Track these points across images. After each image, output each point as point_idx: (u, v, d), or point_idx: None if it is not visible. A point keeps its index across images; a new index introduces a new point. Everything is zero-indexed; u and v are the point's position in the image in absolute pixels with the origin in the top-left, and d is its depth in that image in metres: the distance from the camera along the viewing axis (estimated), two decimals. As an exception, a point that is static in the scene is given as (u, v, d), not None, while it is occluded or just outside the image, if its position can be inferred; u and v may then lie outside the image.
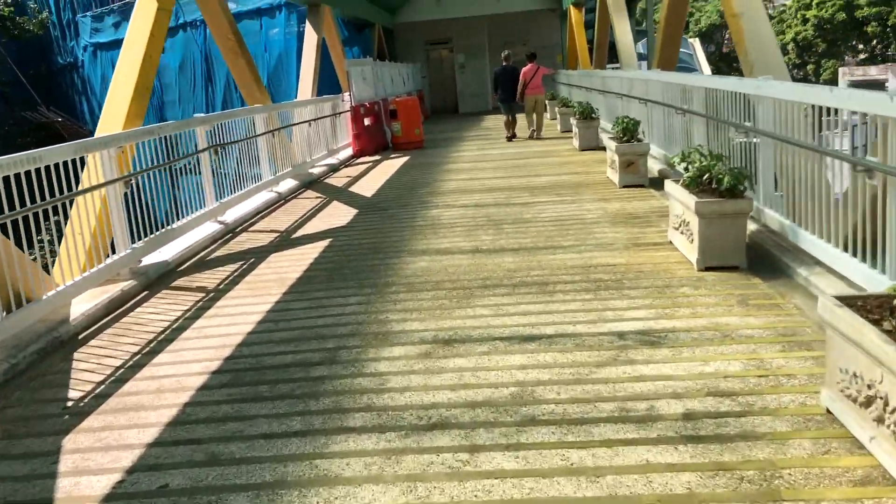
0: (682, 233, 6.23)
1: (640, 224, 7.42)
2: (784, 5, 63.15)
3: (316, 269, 6.71)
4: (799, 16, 57.46)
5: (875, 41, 55.32)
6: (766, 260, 5.86)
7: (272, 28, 20.94)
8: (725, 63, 62.60)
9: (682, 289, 5.36)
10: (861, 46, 56.12)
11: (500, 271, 6.13)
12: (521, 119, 18.43)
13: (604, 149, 12.84)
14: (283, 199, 10.89)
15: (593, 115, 13.58)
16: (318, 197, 10.91)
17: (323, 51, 17.49)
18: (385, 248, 7.32)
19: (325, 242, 7.79)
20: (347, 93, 15.99)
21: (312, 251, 7.45)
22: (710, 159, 6.01)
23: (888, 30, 54.04)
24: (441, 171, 12.54)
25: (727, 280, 5.49)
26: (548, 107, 22.04)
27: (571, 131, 14.92)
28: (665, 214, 7.74)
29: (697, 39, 44.15)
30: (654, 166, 10.01)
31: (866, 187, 4.70)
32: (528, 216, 8.24)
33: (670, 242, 6.61)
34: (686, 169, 6.36)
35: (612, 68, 21.44)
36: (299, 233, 8.47)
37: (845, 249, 5.00)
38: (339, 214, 9.34)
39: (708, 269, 5.75)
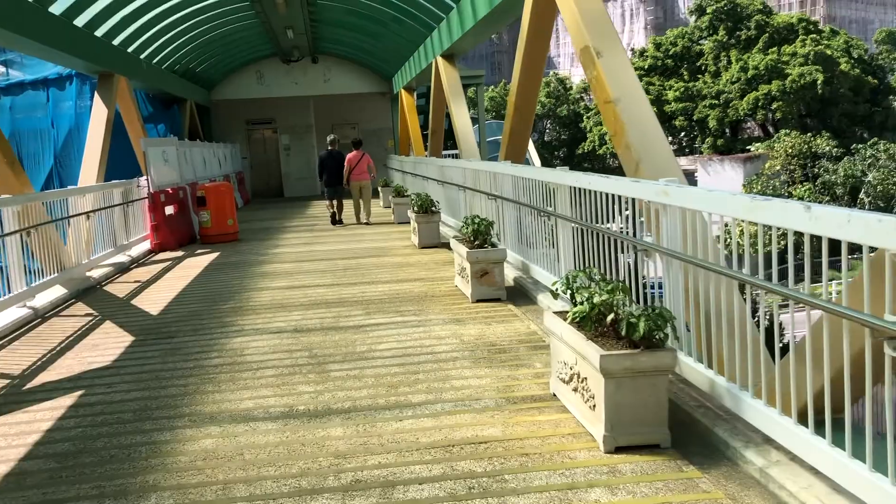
0: (575, 390, 4.53)
1: (508, 362, 5.69)
2: (600, 98, 66.72)
3: (39, 457, 4.38)
4: (614, 108, 60.54)
5: (682, 134, 59.25)
6: (691, 430, 4.25)
7: (62, 101, 18.09)
8: (548, 151, 64.87)
9: (592, 492, 3.61)
10: (670, 139, 59.86)
11: (323, 459, 4.12)
12: (349, 205, 16.90)
13: (446, 246, 11.33)
14: (39, 318, 8.31)
15: (433, 209, 12.03)
16: (87, 314, 8.41)
17: (121, 129, 15.03)
18: (157, 409, 5.10)
19: (72, 398, 5.44)
20: (146, 177, 13.56)
21: (46, 417, 5.08)
22: (609, 290, 4.40)
23: (693, 124, 58.07)
24: (255, 275, 10.40)
25: (652, 472, 3.80)
26: (381, 194, 20.52)
27: (409, 224, 13.32)
28: (536, 345, 6.08)
29: (526, 128, 44.66)
30: (508, 273, 8.45)
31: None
32: (363, 348, 6.30)
33: (554, 395, 4.90)
34: (572, 297, 4.73)
35: (449, 155, 20.33)
36: (40, 378, 6.02)
37: (807, 423, 3.49)
38: (105, 346, 6.95)
39: (619, 448, 4.05)
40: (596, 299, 4.44)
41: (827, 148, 50.95)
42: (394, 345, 6.34)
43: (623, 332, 4.12)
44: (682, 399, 4.54)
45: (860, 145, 50.81)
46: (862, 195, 49.47)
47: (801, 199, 48.95)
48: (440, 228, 12.34)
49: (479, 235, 7.97)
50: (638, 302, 5.20)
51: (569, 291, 4.78)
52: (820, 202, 49.04)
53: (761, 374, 4.00)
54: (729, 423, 4.15)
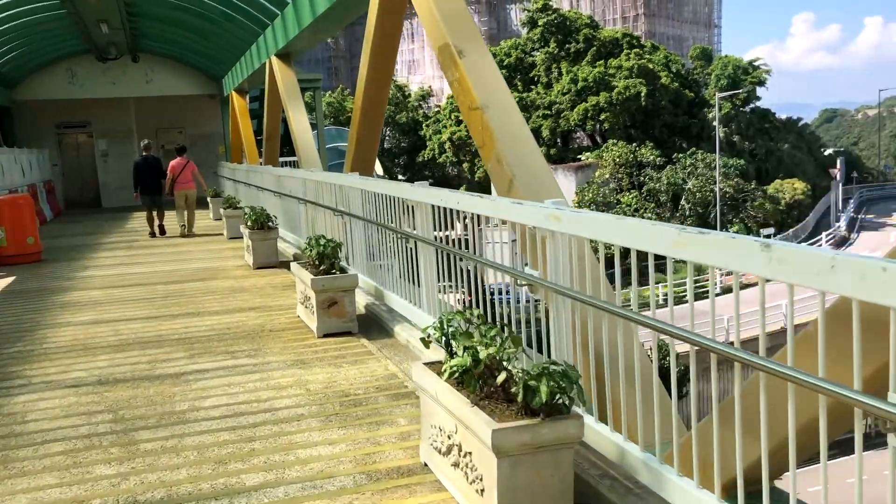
0: (455, 465, 3.63)
1: (366, 419, 4.71)
2: (439, 107, 67.03)
3: None
4: (453, 117, 61.00)
5: (518, 143, 60.50)
6: (599, 511, 3.47)
7: None
8: (388, 159, 64.26)
9: None
10: (507, 147, 60.98)
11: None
12: (171, 216, 15.39)
13: (286, 265, 10.18)
14: None
15: (270, 224, 10.82)
16: None
17: None
18: None
19: None
20: (-80, 189, 11.39)
21: None
22: (498, 342, 3.55)
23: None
24: (55, 306, 8.78)
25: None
26: (211, 205, 18.87)
27: (243, 240, 12.00)
28: (397, 393, 5.15)
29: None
30: (359, 300, 7.47)
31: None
32: (184, 406, 5.10)
33: (425, 465, 3.98)
34: (447, 346, 3.85)
35: (287, 163, 19.04)
36: None
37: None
38: None
39: (519, 546, 3.20)
40: (482, 353, 3.58)
41: (651, 157, 53.69)
42: (223, 399, 5.19)
43: (519, 398, 3.27)
44: (582, 466, 3.75)
45: (680, 155, 53.95)
46: (683, 202, 52.51)
47: (628, 205, 51.30)
48: (278, 245, 11.15)
49: (326, 259, 6.93)
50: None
51: (443, 338, 3.89)
52: (646, 209, 51.63)
53: (673, 438, 3.30)
54: (642, 500, 3.40)
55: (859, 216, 63.05)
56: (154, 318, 7.85)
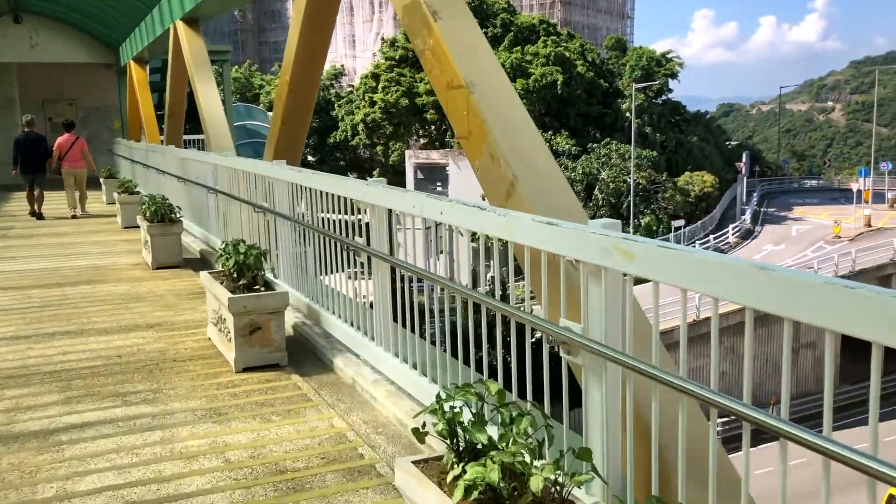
0: None
1: (314, 516, 3.37)
2: (352, 86, 64.95)
3: None
4: (367, 98, 59.16)
5: (433, 127, 59.27)
6: None
7: None
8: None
9: None
10: (422, 131, 59.65)
11: None
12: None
13: (192, 266, 8.69)
14: None
15: (173, 216, 9.20)
16: None
17: None
18: None
19: None
20: None
21: None
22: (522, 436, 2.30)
23: (444, 117, 58.25)
24: None
25: None
26: (104, 187, 16.84)
27: (139, 231, 10.31)
28: (352, 467, 3.82)
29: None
30: (287, 319, 6.05)
31: None
32: (51, 493, 3.61)
33: None
34: (454, 443, 2.59)
35: (192, 142, 17.25)
36: None
37: None
38: None
39: None
40: (505, 458, 2.33)
41: (566, 146, 53.43)
42: (109, 478, 3.72)
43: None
44: None
45: (595, 145, 53.92)
46: (596, 192, 52.51)
47: (544, 194, 50.86)
48: (182, 240, 9.54)
49: (248, 271, 5.50)
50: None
51: (445, 429, 2.60)
52: (561, 198, 51.28)
53: None
54: None
55: (762, 209, 64.90)
56: (22, 339, 6.20)
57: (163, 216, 9.07)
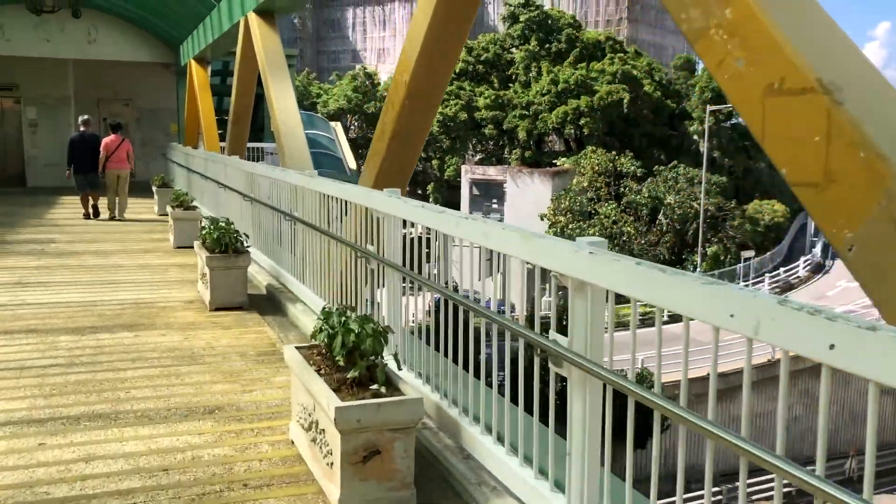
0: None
1: None
2: (409, 98, 63.51)
3: None
4: (424, 110, 57.60)
5: (491, 143, 57.49)
6: None
7: None
8: (353, 149, 60.57)
9: None
10: (480, 147, 57.90)
11: None
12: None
13: (261, 305, 6.99)
14: None
15: (239, 246, 7.46)
16: None
17: None
18: None
19: None
20: None
21: None
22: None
23: (503, 133, 56.46)
24: None
25: None
26: (157, 196, 15.33)
27: (195, 257, 8.66)
28: None
29: (339, 123, 40.36)
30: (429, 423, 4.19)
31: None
32: None
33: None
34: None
35: (254, 151, 15.68)
36: None
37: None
38: None
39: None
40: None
41: (631, 168, 51.16)
42: None
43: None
44: None
45: (661, 167, 51.53)
46: (661, 217, 50.10)
47: (606, 217, 48.68)
48: (247, 279, 7.78)
49: (362, 358, 3.67)
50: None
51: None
52: (624, 221, 49.08)
53: None
54: None
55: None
56: (34, 425, 4.44)
57: (226, 246, 7.32)
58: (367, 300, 5.39)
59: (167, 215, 12.67)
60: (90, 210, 14.72)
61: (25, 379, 5.26)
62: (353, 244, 5.25)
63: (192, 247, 10.84)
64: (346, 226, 5.97)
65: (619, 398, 2.59)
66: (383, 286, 5.05)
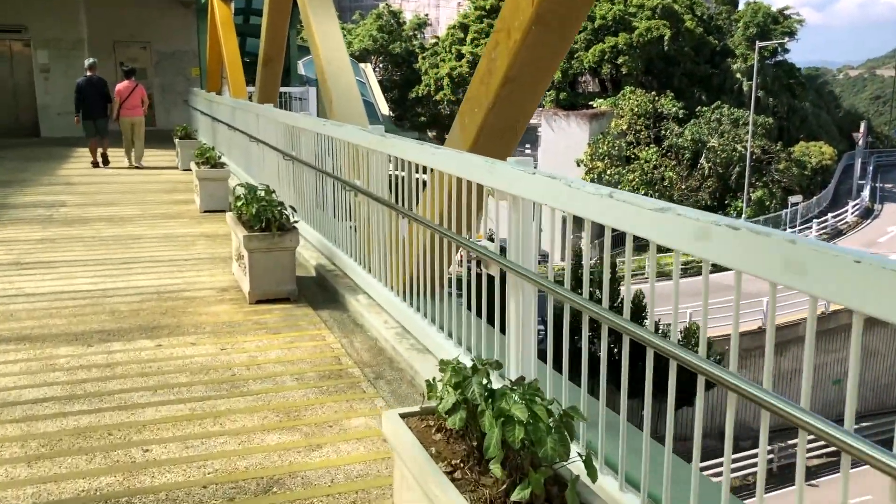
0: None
1: None
2: (437, 38, 60.98)
3: None
4: (453, 50, 55.26)
5: (524, 84, 54.92)
6: None
7: None
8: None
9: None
10: (511, 88, 55.43)
11: None
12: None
13: (309, 299, 5.46)
14: None
15: (285, 223, 5.89)
16: None
17: None
18: None
19: None
20: None
21: None
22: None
23: (536, 74, 53.88)
24: None
25: None
26: (179, 150, 13.81)
27: (223, 220, 7.17)
28: None
29: (369, 65, 38.40)
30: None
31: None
32: None
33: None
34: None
35: (284, 98, 14.09)
36: None
37: None
38: None
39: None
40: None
41: (673, 109, 48.73)
42: None
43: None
44: None
45: (704, 108, 49.04)
46: (702, 160, 47.83)
47: (646, 161, 46.55)
48: (294, 260, 6.23)
49: (547, 478, 2.11)
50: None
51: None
52: (665, 166, 46.90)
53: None
54: None
55: (877, 185, 58.89)
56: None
57: (268, 222, 5.77)
58: (464, 308, 3.86)
59: (190, 170, 11.19)
60: (98, 158, 14.43)
61: (6, 426, 3.79)
62: (461, 238, 3.67)
63: (222, 211, 9.37)
64: (429, 203, 4.39)
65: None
66: (499, 295, 3.50)
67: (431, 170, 4.51)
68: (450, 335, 4.26)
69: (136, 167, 14.31)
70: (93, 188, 11.83)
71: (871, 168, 62.37)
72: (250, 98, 12.38)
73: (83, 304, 5.81)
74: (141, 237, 8.22)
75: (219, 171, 9.57)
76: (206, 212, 9.58)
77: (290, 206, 6.03)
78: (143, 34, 22.30)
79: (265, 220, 5.76)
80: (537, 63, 3.86)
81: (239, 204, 6.01)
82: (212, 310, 5.69)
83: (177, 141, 13.97)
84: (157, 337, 5.06)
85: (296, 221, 5.99)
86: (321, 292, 6.18)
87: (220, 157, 9.90)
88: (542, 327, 15.02)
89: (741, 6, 58.80)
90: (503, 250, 3.37)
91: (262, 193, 5.98)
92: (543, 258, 17.40)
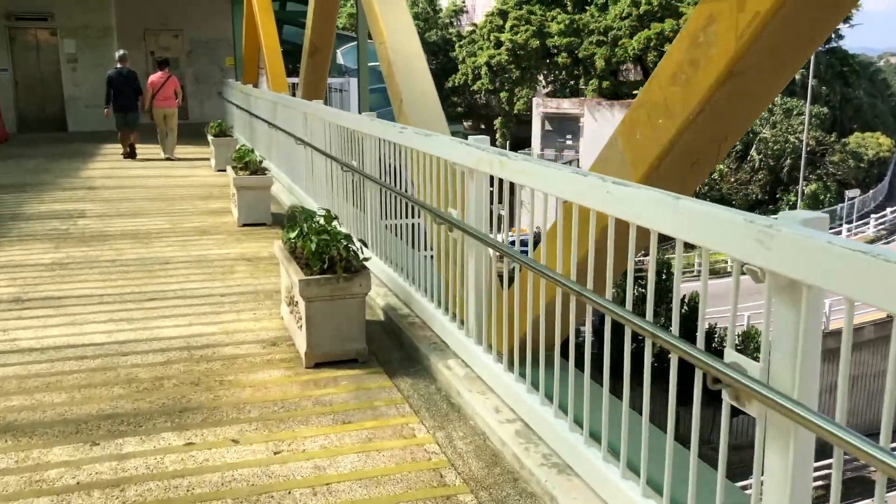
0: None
1: None
2: (474, 25, 59.29)
3: None
4: (492, 38, 53.57)
5: (564, 73, 53.20)
6: None
7: None
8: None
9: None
10: (552, 77, 53.71)
11: None
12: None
13: (388, 364, 4.03)
14: None
15: (354, 261, 4.49)
16: None
17: None
18: None
19: None
20: None
21: None
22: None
23: (578, 62, 52.14)
24: None
25: None
26: (213, 148, 12.57)
27: (265, 233, 5.81)
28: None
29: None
30: None
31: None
32: None
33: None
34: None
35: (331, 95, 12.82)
36: None
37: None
38: None
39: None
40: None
41: (721, 98, 46.56)
42: None
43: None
44: None
45: (754, 98, 46.78)
46: (752, 152, 45.74)
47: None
48: (368, 297, 4.82)
49: None
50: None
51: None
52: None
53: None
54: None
55: (936, 178, 56.13)
56: None
57: (331, 261, 4.38)
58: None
59: (225, 171, 9.93)
60: (128, 149, 14.22)
61: None
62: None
63: (263, 224, 8.08)
64: (556, 247, 3.00)
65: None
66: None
67: (564, 201, 3.16)
68: (614, 453, 2.86)
69: (169, 158, 14.08)
70: (117, 193, 10.58)
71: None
72: (293, 92, 11.04)
73: (92, 366, 4.48)
74: (169, 261, 6.90)
75: (260, 179, 8.24)
76: (245, 225, 8.26)
77: (360, 240, 4.63)
78: (175, 21, 21.09)
79: (328, 258, 4.38)
80: (789, 46, 2.42)
81: (292, 237, 4.63)
82: (259, 377, 4.33)
83: (210, 138, 12.68)
84: (186, 428, 3.71)
85: (366, 259, 4.60)
86: (395, 347, 4.79)
87: (260, 162, 8.55)
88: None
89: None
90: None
91: (324, 223, 4.59)
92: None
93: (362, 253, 4.58)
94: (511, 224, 4.04)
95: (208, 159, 13.32)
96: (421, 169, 4.58)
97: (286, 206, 9.28)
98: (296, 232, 4.63)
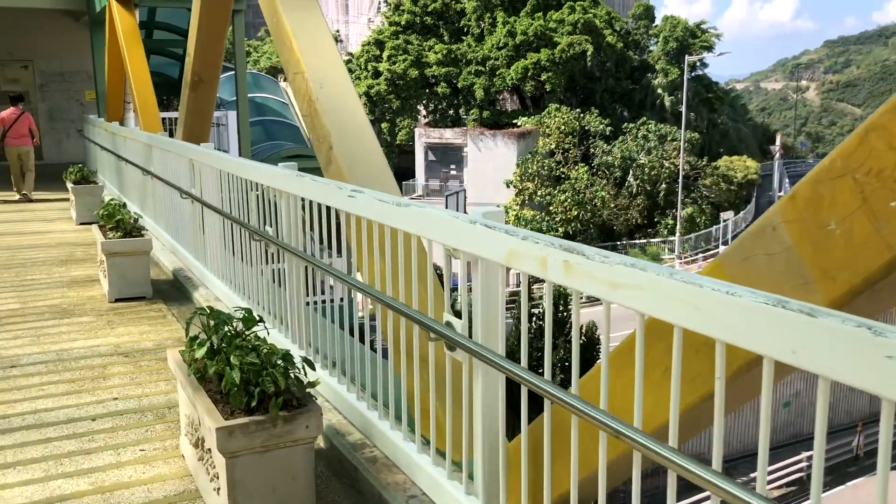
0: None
1: None
2: (351, 55, 58.03)
3: None
4: (370, 68, 52.50)
5: (445, 102, 52.71)
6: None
7: None
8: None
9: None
10: (431, 107, 53.11)
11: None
12: None
13: None
14: None
15: (299, 389, 3.06)
16: None
17: None
18: None
19: None
20: None
21: None
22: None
23: (457, 92, 51.81)
24: None
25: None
26: (73, 198, 10.68)
27: (139, 310, 4.28)
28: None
29: (288, 83, 35.07)
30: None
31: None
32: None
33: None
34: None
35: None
36: None
37: None
38: None
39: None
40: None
41: (599, 126, 47.39)
42: None
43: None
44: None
45: (630, 125, 47.91)
46: (630, 178, 46.59)
47: (577, 180, 44.89)
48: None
49: None
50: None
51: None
52: (597, 185, 45.34)
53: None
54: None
55: (794, 196, 59.20)
56: None
57: (261, 394, 2.95)
58: None
59: (89, 226, 8.23)
60: None
61: None
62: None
63: (140, 299, 6.48)
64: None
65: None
66: None
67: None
68: None
69: (27, 197, 13.11)
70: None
71: (785, 179, 63.23)
72: (170, 131, 9.38)
73: None
74: (16, 363, 5.19)
75: (136, 243, 6.59)
76: (118, 300, 6.59)
77: (304, 359, 3.22)
78: (24, 52, 18.73)
79: (257, 392, 2.96)
80: None
81: (199, 355, 3.17)
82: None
83: (70, 186, 10.76)
84: None
85: (313, 384, 3.20)
86: (348, 499, 3.40)
87: (135, 220, 6.90)
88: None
89: (658, 21, 58.37)
90: None
91: (242, 326, 3.17)
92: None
93: (306, 377, 3.17)
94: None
95: (68, 210, 11.37)
96: (389, 252, 3.21)
97: (169, 270, 7.63)
98: (204, 349, 3.17)
